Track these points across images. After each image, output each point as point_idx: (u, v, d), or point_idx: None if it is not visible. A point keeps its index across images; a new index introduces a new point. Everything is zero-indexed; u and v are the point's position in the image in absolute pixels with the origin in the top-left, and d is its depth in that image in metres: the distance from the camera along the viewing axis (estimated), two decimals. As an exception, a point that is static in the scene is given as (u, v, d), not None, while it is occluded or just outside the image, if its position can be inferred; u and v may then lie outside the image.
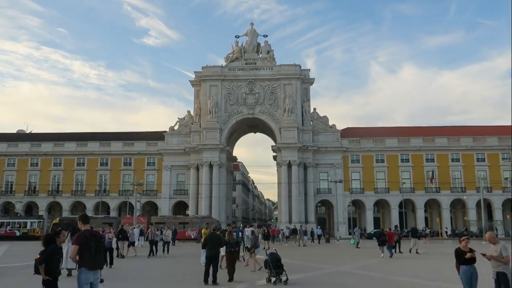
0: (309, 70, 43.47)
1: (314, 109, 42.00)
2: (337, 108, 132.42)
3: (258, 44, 43.39)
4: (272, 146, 41.21)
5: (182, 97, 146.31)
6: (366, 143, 40.92)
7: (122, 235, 15.29)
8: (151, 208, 40.78)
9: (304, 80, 41.73)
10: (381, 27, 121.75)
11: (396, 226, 23.51)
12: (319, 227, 31.80)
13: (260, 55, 42.74)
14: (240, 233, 20.22)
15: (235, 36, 43.52)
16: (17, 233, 30.97)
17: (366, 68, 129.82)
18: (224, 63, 42.65)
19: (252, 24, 43.72)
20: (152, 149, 41.57)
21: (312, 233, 28.85)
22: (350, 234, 38.16)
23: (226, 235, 9.64)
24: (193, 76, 43.52)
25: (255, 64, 42.04)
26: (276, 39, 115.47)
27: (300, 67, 42.01)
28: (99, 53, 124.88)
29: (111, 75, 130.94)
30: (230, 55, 42.69)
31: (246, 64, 42.12)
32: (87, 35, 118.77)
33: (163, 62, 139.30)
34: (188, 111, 42.52)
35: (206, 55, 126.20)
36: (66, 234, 8.07)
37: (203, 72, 41.74)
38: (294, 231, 29.00)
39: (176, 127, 42.16)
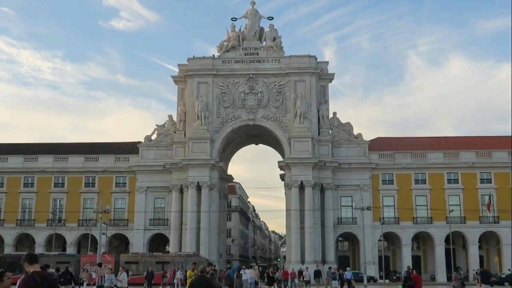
0: (327, 62, 45.25)
1: (334, 113, 43.56)
2: (364, 113, 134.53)
3: (261, 29, 45.04)
4: (279, 162, 42.52)
5: (162, 98, 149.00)
6: (402, 158, 42.23)
7: (65, 279, 15.86)
8: (120, 243, 41.71)
9: (321, 75, 43.27)
10: (421, 7, 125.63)
11: (458, 268, 23.52)
12: (348, 268, 31.16)
13: (264, 44, 44.39)
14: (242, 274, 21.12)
15: (232, 19, 45.36)
16: None
17: (402, 61, 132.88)
18: (216, 54, 44.33)
19: (253, 3, 45.33)
20: (123, 166, 42.99)
21: (340, 276, 27.41)
22: (381, 277, 39.51)
23: (215, 277, 10.08)
24: (177, 71, 45.25)
25: (257, 54, 43.64)
26: (285, 23, 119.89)
27: (316, 58, 43.61)
28: (54, 40, 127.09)
29: (70, 69, 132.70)
30: (225, 43, 44.29)
31: (245, 55, 43.75)
32: (38, 16, 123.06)
33: (138, 51, 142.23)
34: (170, 116, 44.16)
35: (193, 43, 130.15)
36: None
37: (189, 65, 43.27)
38: (316, 274, 29.52)
39: (153, 137, 43.59)
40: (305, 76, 42.37)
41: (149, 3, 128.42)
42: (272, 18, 45.62)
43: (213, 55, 44.13)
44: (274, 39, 44.04)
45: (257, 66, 43.03)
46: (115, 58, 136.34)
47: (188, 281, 10.33)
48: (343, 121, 43.60)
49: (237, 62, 43.33)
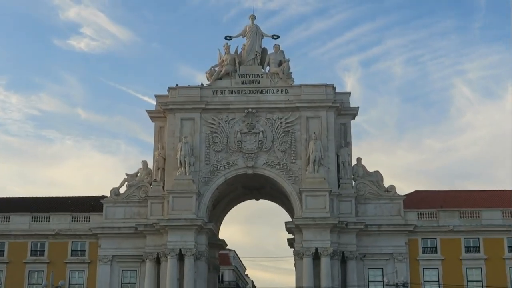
0: (349, 93, 47.00)
1: (359, 159, 44.68)
2: (398, 158, 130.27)
3: (264, 51, 46.89)
4: (286, 224, 43.25)
5: (134, 139, 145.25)
6: (448, 218, 42.96)
7: None
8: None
9: (342, 110, 44.88)
10: (470, 22, 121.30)
11: None
12: None
13: (267, 69, 46.16)
14: None
15: (225, 38, 47.32)
16: None
17: (446, 91, 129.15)
18: (205, 82, 46.05)
19: (253, 17, 47.35)
20: (81, 228, 43.70)
21: None
22: None
23: None
24: (154, 103, 46.94)
25: (258, 83, 45.41)
26: (294, 43, 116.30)
27: (334, 88, 45.37)
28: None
29: (15, 101, 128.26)
30: (216, 69, 46.10)
31: (243, 83, 45.45)
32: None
33: (104, 79, 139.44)
34: (144, 163, 45.41)
35: (176, 68, 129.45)
36: None
37: (170, 97, 45.00)
38: None
39: (122, 190, 44.67)
40: (321, 111, 43.90)
41: (120, 17, 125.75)
42: (278, 37, 47.58)
43: (201, 84, 45.77)
44: (280, 63, 45.75)
45: (258, 98, 44.66)
46: (74, 87, 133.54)
47: None
48: (370, 169, 44.66)
49: (232, 93, 44.98)
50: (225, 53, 46.58)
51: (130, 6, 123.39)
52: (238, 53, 47.07)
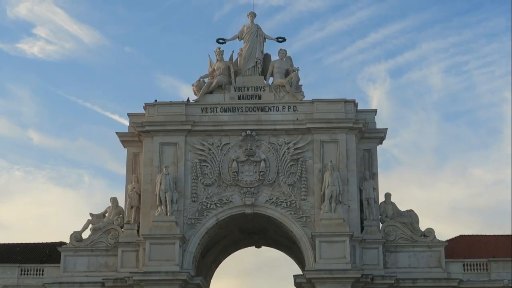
0: (374, 112, 48.00)
1: (388, 195, 45.25)
2: (438, 193, 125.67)
3: (266, 57, 48.07)
4: (295, 278, 43.23)
5: (100, 169, 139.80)
6: (502, 270, 43.05)
7: None
8: None
9: (365, 133, 45.74)
10: None
11: None
12: None
13: (270, 80, 47.29)
14: None
15: (218, 41, 48.49)
16: None
17: (498, 107, 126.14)
18: (192, 97, 47.19)
19: (252, 14, 48.59)
20: (33, 283, 43.85)
21: None
22: None
23: None
24: (126, 124, 48.10)
25: (259, 98, 46.44)
26: (304, 46, 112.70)
27: (356, 104, 46.25)
28: None
29: None
30: (206, 80, 47.25)
31: (239, 98, 46.48)
32: None
33: (63, 92, 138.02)
34: (114, 200, 45.97)
35: (155, 78, 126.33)
36: None
37: (147, 116, 45.86)
38: None
39: (86, 235, 45.00)
40: (339, 134, 44.67)
41: (83, 14, 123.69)
42: (284, 40, 48.75)
43: (187, 99, 46.82)
44: (287, 73, 46.79)
45: (259, 117, 45.52)
46: (24, 102, 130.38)
47: None
48: (402, 207, 45.12)
49: (226, 111, 45.85)
50: (217, 60, 47.41)
51: (97, 0, 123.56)
52: (234, 60, 47.96)
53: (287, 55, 48.01)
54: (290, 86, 46.40)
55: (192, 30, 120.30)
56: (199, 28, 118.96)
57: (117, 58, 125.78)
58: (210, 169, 44.82)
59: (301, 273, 43.62)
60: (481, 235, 49.80)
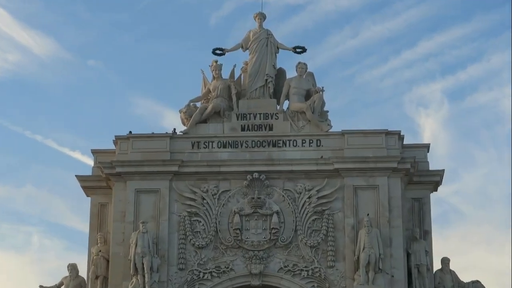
0: (426, 147, 48.61)
1: (445, 261, 45.38)
2: None
3: (280, 74, 49.10)
4: None
5: (55, 226, 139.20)
6: None
7: None
8: None
9: (415, 176, 46.24)
10: None
11: None
12: None
13: (286, 105, 48.11)
14: None
15: (214, 51, 49.61)
16: None
17: None
18: (180, 126, 48.24)
19: (261, 16, 49.66)
20: None
21: None
22: None
23: None
24: (91, 165, 49.22)
25: (271, 129, 47.14)
26: (330, 59, 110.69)
27: (402, 138, 46.82)
28: None
29: None
30: (199, 104, 48.37)
31: (244, 129, 47.21)
32: None
33: (5, 121, 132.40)
34: (73, 267, 45.84)
35: (129, 102, 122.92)
36: None
37: (119, 153, 46.69)
38: None
39: None
40: (378, 177, 45.18)
41: (33, 15, 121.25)
42: (304, 50, 49.77)
43: (173, 130, 47.50)
44: (307, 95, 47.61)
45: (271, 155, 46.13)
46: None
47: None
48: (465, 277, 45.37)
49: (225, 146, 46.57)
50: (214, 77, 48.27)
51: None
52: (236, 77, 48.91)
53: (308, 70, 48.87)
54: (312, 113, 46.96)
55: (180, 37, 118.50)
56: (189, 35, 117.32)
57: (78, 75, 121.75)
58: (203, 225, 45.19)
59: None
60: None
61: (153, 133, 47.94)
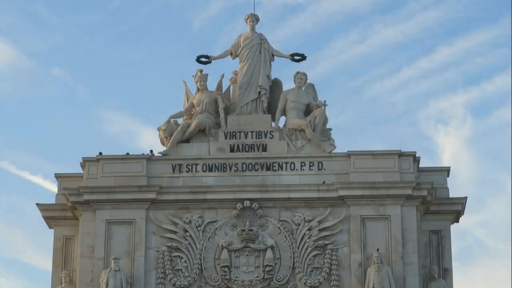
0: (446, 171, 49.14)
1: None
2: None
3: (275, 85, 49.86)
4: None
5: (13, 262, 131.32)
6: None
7: None
8: None
9: (432, 204, 46.91)
10: None
11: None
12: None
13: (282, 121, 48.85)
14: None
15: (199, 59, 50.47)
16: None
17: None
18: (158, 147, 48.80)
19: (253, 18, 50.43)
20: None
21: None
22: None
23: None
24: (54, 191, 49.61)
25: (265, 149, 47.82)
26: (333, 67, 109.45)
27: (418, 160, 47.53)
28: None
29: None
30: (181, 121, 48.97)
31: (233, 150, 47.89)
32: None
33: None
34: None
35: (100, 117, 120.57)
36: None
37: (87, 177, 47.41)
38: None
39: None
40: (390, 206, 45.69)
41: None
42: (304, 58, 50.73)
43: (150, 152, 48.20)
44: (307, 110, 48.40)
45: (265, 180, 46.64)
46: None
47: None
48: None
49: (211, 170, 47.06)
50: (198, 89, 48.97)
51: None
52: (224, 90, 49.75)
53: (308, 81, 49.55)
54: (313, 131, 47.47)
55: (158, 43, 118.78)
56: (169, 40, 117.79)
57: (40, 85, 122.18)
58: (186, 262, 45.53)
59: None
60: None
61: (127, 154, 48.50)
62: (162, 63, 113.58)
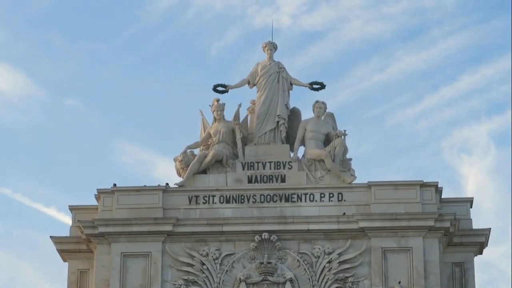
0: (469, 202, 49.25)
1: None
2: None
3: (293, 115, 50.14)
4: None
5: None
6: None
7: None
8: None
9: (455, 236, 47.09)
10: None
11: None
12: None
13: (301, 152, 49.08)
14: None
15: (215, 88, 50.64)
16: None
17: None
18: (175, 178, 49.01)
19: (271, 46, 50.92)
20: None
21: None
22: None
23: None
24: (69, 224, 49.82)
25: (283, 180, 48.01)
26: (354, 96, 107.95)
27: (440, 191, 47.57)
28: None
29: None
30: (197, 152, 49.37)
31: (250, 181, 48.20)
32: None
33: None
34: None
35: (114, 148, 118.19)
36: None
37: (102, 210, 47.64)
38: None
39: None
40: (412, 238, 45.59)
41: (0, 46, 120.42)
42: (323, 87, 51.00)
43: (166, 184, 48.22)
44: (327, 140, 48.42)
45: (283, 212, 46.72)
46: None
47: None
48: None
49: (229, 201, 47.16)
50: (215, 119, 49.25)
51: (29, 21, 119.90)
52: (242, 119, 49.83)
53: (328, 111, 49.71)
54: (333, 161, 47.48)
55: (174, 71, 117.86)
56: (185, 68, 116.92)
57: (53, 116, 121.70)
58: (205, 297, 44.75)
59: None
60: None
61: (141, 186, 48.47)
62: (178, 93, 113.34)
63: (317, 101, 49.95)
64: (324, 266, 45.78)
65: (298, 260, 46.04)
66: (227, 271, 45.94)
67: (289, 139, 49.80)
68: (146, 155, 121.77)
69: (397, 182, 47.80)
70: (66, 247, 49.06)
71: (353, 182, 48.01)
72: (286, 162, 48.82)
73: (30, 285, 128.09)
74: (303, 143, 49.32)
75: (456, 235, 47.33)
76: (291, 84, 50.86)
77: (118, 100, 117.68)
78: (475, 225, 48.63)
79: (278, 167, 48.70)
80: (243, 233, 46.54)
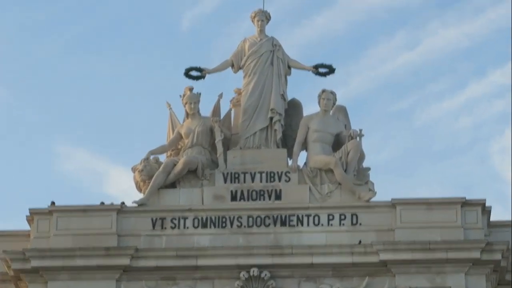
0: None
1: None
2: None
3: (292, 108, 43.36)
4: None
5: None
6: None
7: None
8: None
9: (507, 272, 40.94)
10: None
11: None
12: None
13: (302, 160, 42.15)
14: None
15: (188, 73, 43.58)
16: None
17: None
18: (135, 195, 41.97)
19: (263, 16, 44.06)
20: None
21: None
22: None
23: None
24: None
25: (277, 196, 41.52)
26: (372, 85, 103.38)
27: (488, 211, 41.40)
28: None
29: None
30: (164, 159, 42.83)
31: (235, 197, 41.47)
32: None
33: None
34: None
35: (53, 154, 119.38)
36: None
37: (36, 237, 41.35)
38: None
39: None
40: (450, 275, 39.88)
41: None
42: (332, 71, 44.60)
43: (122, 203, 41.86)
44: (337, 143, 42.41)
45: (278, 239, 40.60)
46: None
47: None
48: None
49: (205, 226, 41.05)
50: (187, 115, 43.55)
51: None
52: (223, 115, 44.11)
53: (338, 104, 43.80)
54: (345, 171, 41.59)
55: (132, 48, 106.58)
56: (147, 45, 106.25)
57: None
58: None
59: None
60: None
61: (88, 205, 42.62)
62: (137, 78, 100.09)
63: (323, 91, 43.58)
64: (329, 312, 40.94)
65: (300, 301, 40.93)
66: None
67: (287, 142, 44.09)
68: (95, 163, 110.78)
69: (431, 200, 41.78)
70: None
71: (371, 200, 41.84)
72: (282, 172, 42.76)
73: None
74: (305, 147, 43.44)
75: (509, 271, 41.27)
76: (289, 68, 45.00)
77: (58, 90, 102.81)
78: (515, 244, 42.44)
79: (272, 179, 42.72)
80: (225, 268, 40.66)
